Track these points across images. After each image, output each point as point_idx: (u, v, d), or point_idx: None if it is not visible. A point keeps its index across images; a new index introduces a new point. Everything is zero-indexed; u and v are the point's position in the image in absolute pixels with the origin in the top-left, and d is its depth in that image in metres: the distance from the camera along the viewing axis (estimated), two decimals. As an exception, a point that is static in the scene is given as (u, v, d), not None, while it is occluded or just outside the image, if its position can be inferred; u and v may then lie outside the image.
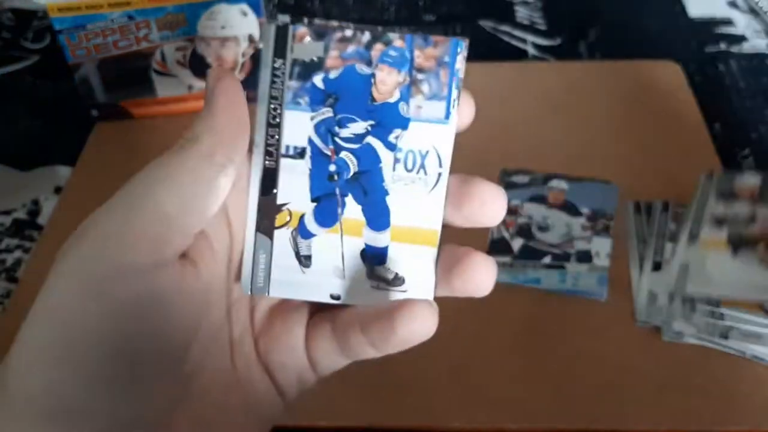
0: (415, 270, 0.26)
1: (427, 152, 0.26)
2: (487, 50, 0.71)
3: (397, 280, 0.26)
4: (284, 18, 0.24)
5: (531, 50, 0.71)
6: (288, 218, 0.26)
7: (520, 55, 0.70)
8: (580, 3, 0.76)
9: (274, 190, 0.26)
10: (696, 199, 0.52)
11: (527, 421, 0.43)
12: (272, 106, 0.26)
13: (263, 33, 0.26)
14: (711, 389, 0.44)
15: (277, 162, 0.26)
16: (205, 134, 0.24)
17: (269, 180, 0.26)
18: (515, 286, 0.49)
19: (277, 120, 0.26)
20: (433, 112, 0.26)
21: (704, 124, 0.61)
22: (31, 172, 0.60)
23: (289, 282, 0.27)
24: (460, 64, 0.25)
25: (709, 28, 0.72)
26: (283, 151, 0.26)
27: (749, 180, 0.53)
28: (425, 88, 0.25)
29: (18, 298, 0.50)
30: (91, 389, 0.22)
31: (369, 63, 0.25)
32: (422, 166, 0.26)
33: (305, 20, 0.24)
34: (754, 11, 0.74)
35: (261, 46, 0.59)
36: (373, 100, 0.26)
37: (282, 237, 0.26)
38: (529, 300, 0.49)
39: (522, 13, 0.75)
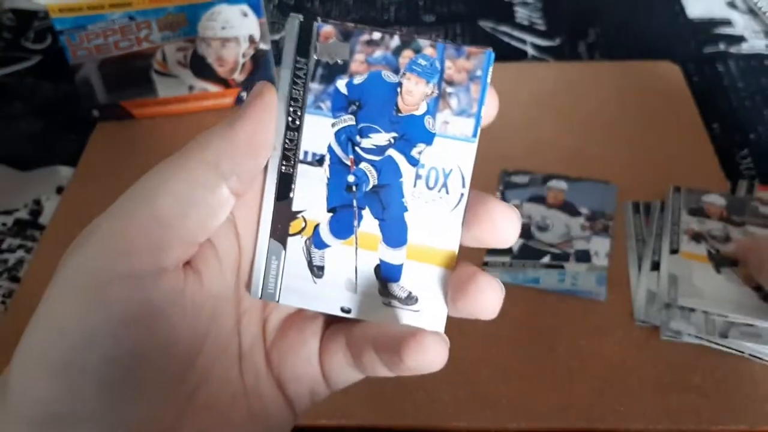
0: (429, 290, 0.25)
1: (451, 171, 0.25)
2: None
3: (410, 299, 0.26)
4: (297, 15, 0.23)
5: (530, 51, 0.71)
6: (303, 226, 0.26)
7: (519, 55, 0.70)
8: (580, 3, 0.77)
9: (290, 196, 0.25)
10: (668, 212, 0.53)
11: (527, 421, 0.43)
12: (292, 108, 0.25)
13: (286, 28, 0.24)
14: (709, 388, 0.44)
15: (294, 167, 0.25)
16: (215, 141, 0.23)
17: (285, 185, 0.25)
18: (515, 286, 0.50)
19: (297, 123, 0.25)
20: (460, 128, 0.24)
21: (703, 125, 0.61)
22: (32, 172, 0.60)
23: (300, 291, 0.26)
24: (490, 77, 0.24)
25: (708, 28, 0.73)
26: (301, 156, 0.25)
27: (716, 200, 0.53)
28: (454, 102, 0.24)
29: (20, 297, 0.50)
30: (90, 397, 0.22)
31: (396, 70, 0.24)
32: (445, 184, 0.25)
33: (320, 18, 0.24)
34: (753, 12, 0.74)
35: (263, 46, 0.60)
36: (398, 110, 0.24)
37: (295, 245, 0.26)
38: (528, 300, 0.49)
39: (521, 13, 0.75)
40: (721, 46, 0.70)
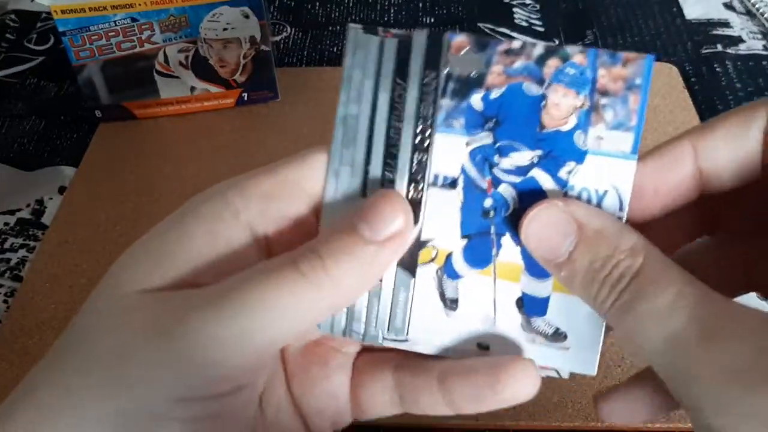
0: (580, 326, 0.23)
1: (606, 192, 0.22)
2: (486, 52, 0.71)
3: (558, 336, 0.23)
4: (419, 30, 0.22)
5: (529, 52, 0.71)
6: (433, 255, 0.23)
7: (518, 56, 0.71)
8: (577, 5, 0.77)
9: (419, 223, 0.23)
10: None
11: (526, 419, 0.43)
12: (420, 127, 0.22)
13: (411, 41, 0.22)
14: (706, 386, 0.44)
15: (423, 192, 0.23)
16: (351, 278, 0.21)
17: (413, 211, 0.23)
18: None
19: (426, 144, 0.22)
20: (617, 144, 0.22)
21: (700, 125, 0.61)
22: (35, 173, 0.61)
23: (431, 326, 0.23)
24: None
25: (705, 29, 0.73)
26: (430, 179, 0.23)
27: None
28: (609, 115, 0.22)
29: (22, 296, 0.51)
30: None
31: (540, 82, 0.22)
32: (598, 207, 0.22)
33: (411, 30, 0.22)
34: (750, 13, 0.74)
35: (264, 47, 0.60)
36: (543, 126, 0.22)
37: (426, 275, 0.23)
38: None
39: (520, 15, 0.76)
40: (719, 47, 0.71)
